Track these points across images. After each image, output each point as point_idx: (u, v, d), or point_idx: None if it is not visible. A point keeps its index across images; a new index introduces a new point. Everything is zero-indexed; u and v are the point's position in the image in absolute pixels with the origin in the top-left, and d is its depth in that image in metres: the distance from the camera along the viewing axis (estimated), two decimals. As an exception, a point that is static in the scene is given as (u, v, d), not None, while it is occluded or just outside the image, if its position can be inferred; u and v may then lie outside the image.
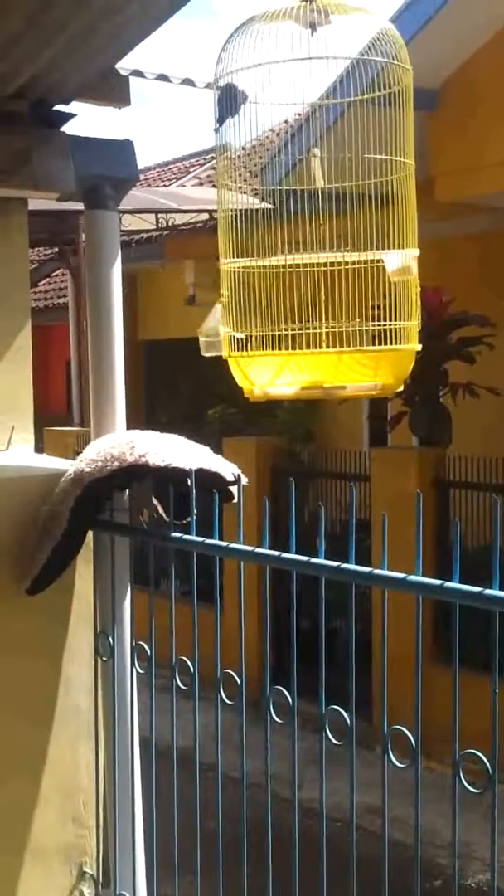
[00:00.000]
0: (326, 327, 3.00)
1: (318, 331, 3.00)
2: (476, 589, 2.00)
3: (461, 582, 2.05)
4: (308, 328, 3.03)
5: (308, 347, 2.99)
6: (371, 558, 7.31)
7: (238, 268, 3.11)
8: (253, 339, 3.04)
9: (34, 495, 3.04)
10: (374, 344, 3.03)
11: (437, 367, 9.24)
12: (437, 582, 2.09)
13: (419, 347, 3.11)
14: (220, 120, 3.07)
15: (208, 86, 3.18)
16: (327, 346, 2.99)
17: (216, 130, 3.13)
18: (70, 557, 3.03)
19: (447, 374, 9.32)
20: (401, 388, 3.19)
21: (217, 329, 3.10)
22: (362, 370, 3.02)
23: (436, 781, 4.50)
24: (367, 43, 3.07)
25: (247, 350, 3.04)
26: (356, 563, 2.27)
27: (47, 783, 3.10)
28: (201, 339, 3.23)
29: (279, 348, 2.99)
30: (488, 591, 1.98)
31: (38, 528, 3.00)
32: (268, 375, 3.03)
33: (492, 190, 8.42)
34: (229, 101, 3.05)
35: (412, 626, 2.18)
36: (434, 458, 8.76)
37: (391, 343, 3.03)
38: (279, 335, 3.01)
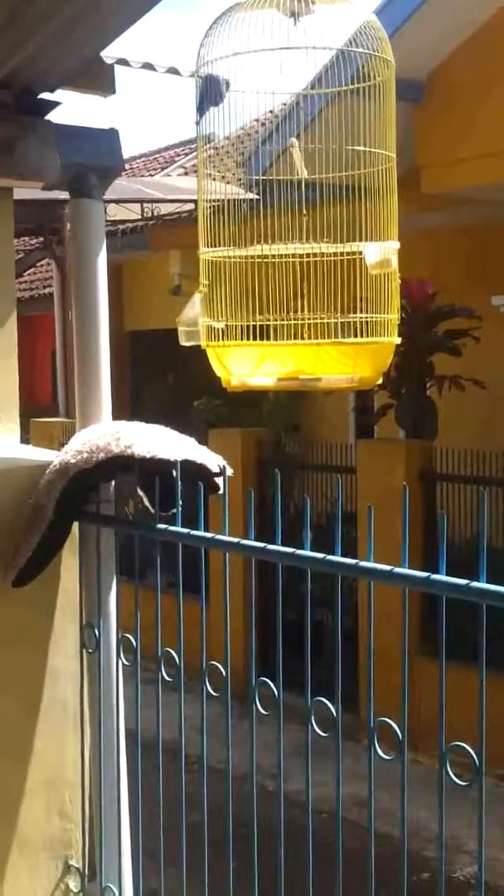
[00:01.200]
0: (306, 318, 3.00)
1: (298, 322, 3.00)
2: (462, 581, 1.99)
3: (448, 574, 2.04)
4: (288, 319, 3.02)
5: (288, 338, 2.98)
6: (357, 551, 7.32)
7: (218, 257, 3.10)
8: (232, 329, 3.03)
9: (19, 487, 3.02)
10: (353, 336, 3.02)
11: (424, 360, 9.25)
12: (424, 574, 2.08)
13: (398, 340, 3.10)
14: (201, 110, 3.05)
15: (192, 74, 3.15)
16: (308, 338, 2.98)
17: (197, 122, 3.11)
18: (56, 549, 3.01)
19: (433, 367, 9.32)
20: (380, 381, 3.19)
21: (196, 319, 3.10)
22: (342, 362, 3.01)
23: (423, 774, 4.51)
24: (350, 34, 3.06)
25: (226, 340, 3.03)
26: (342, 556, 2.27)
27: (33, 776, 3.09)
28: (180, 329, 3.22)
29: (259, 338, 2.99)
30: (475, 584, 1.97)
31: (23, 519, 2.99)
32: (246, 366, 3.02)
33: (477, 182, 8.42)
34: (211, 91, 3.03)
35: (399, 619, 2.18)
36: (421, 450, 8.77)
37: (371, 335, 3.03)
38: (259, 325, 3.00)
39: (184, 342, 3.22)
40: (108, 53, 3.19)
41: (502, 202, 8.95)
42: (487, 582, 1.96)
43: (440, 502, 8.52)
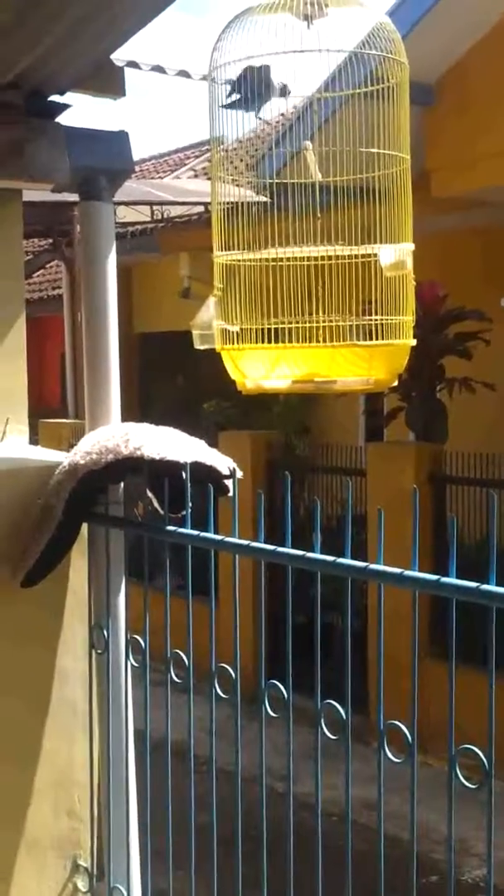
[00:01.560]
0: (321, 321, 2.99)
1: (312, 325, 2.99)
2: (472, 584, 1.99)
3: (458, 577, 2.04)
4: (303, 322, 3.02)
5: (303, 341, 2.98)
6: (367, 553, 7.30)
7: (232, 261, 3.10)
8: (247, 332, 3.03)
9: (29, 487, 3.03)
10: (368, 338, 3.02)
11: (434, 363, 9.23)
12: (434, 577, 2.08)
13: (414, 342, 3.10)
14: (248, 103, 3.02)
15: (204, 78, 3.15)
16: (322, 341, 2.98)
17: (258, 117, 3.09)
18: (65, 550, 3.02)
19: (444, 370, 9.31)
20: (395, 383, 3.18)
21: (210, 322, 3.10)
22: (357, 364, 3.00)
23: (432, 777, 4.49)
24: (364, 36, 3.06)
25: (240, 343, 3.03)
26: (352, 558, 2.26)
27: (42, 776, 3.09)
28: (194, 332, 3.22)
29: (274, 341, 2.98)
30: (484, 587, 1.97)
31: (32, 520, 2.99)
32: (261, 369, 3.02)
33: (488, 184, 8.41)
34: (261, 86, 3.02)
35: (409, 622, 2.17)
36: (431, 453, 8.75)
37: (386, 338, 3.02)
38: (274, 329, 3.00)
39: (198, 345, 3.23)
40: (119, 56, 3.19)
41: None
42: (497, 584, 1.96)
43: (450, 505, 8.51)
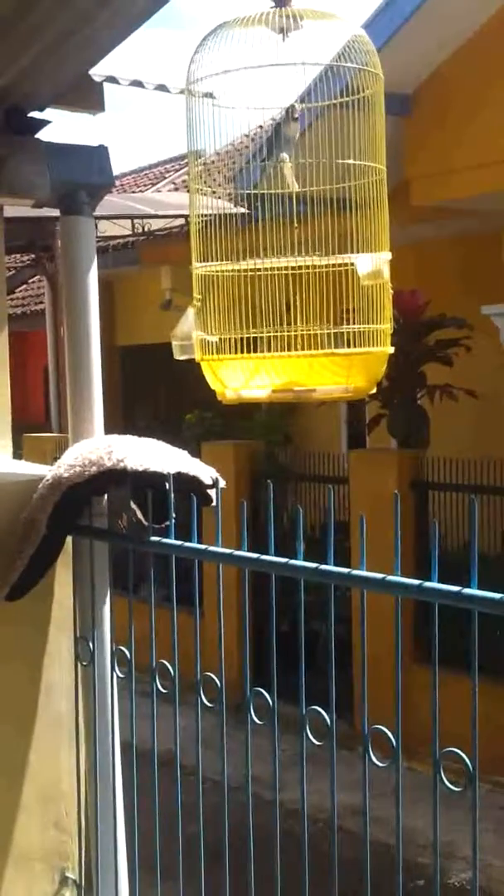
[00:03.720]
0: (299, 330, 3.02)
1: (291, 334, 3.02)
2: (454, 588, 2.01)
3: (440, 582, 2.06)
4: (281, 331, 3.04)
5: (282, 350, 3.01)
6: (351, 560, 7.32)
7: (211, 271, 3.12)
8: (226, 342, 3.05)
9: (12, 501, 3.03)
10: (346, 347, 3.04)
11: (415, 370, 9.28)
12: (416, 582, 2.10)
13: (391, 350, 3.13)
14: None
15: (181, 91, 3.18)
16: (301, 350, 3.01)
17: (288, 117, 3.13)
18: (49, 563, 3.02)
19: (425, 377, 9.35)
20: (373, 391, 3.21)
21: (190, 333, 3.12)
22: (335, 373, 3.03)
23: (418, 781, 4.51)
24: (339, 49, 3.09)
25: (220, 353, 3.05)
26: (335, 565, 2.28)
27: (29, 789, 3.10)
28: (174, 343, 3.25)
29: (253, 351, 3.01)
30: (466, 591, 1.98)
31: (16, 534, 3.00)
32: (240, 378, 3.04)
33: (466, 193, 8.47)
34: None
35: (392, 627, 2.19)
36: (412, 459, 8.79)
37: (364, 346, 3.05)
38: (253, 338, 3.03)
39: (178, 356, 3.25)
40: (97, 71, 3.21)
41: (491, 212, 8.99)
42: (479, 588, 1.98)
43: (432, 511, 8.54)
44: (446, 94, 8.49)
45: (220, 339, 3.05)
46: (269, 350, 3.01)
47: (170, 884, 2.80)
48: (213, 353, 3.06)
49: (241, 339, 3.03)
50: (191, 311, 3.13)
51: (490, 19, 8.08)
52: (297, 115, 3.12)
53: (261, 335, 3.03)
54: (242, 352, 3.02)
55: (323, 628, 6.97)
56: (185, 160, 3.74)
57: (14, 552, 2.98)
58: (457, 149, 8.42)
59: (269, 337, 3.03)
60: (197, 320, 3.10)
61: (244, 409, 9.97)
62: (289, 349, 3.02)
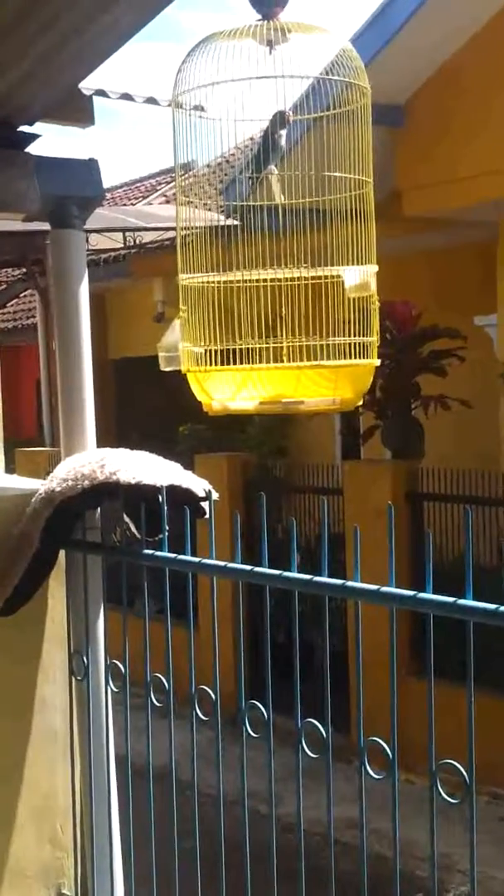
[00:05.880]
0: (286, 342, 3.02)
1: (278, 345, 3.02)
2: (449, 599, 2.00)
3: (436, 593, 2.05)
4: (269, 343, 3.04)
5: (268, 362, 3.01)
6: (346, 572, 7.31)
7: (197, 283, 3.12)
8: (213, 353, 3.05)
9: (5, 516, 3.02)
10: (334, 359, 3.05)
11: (409, 380, 9.27)
12: (411, 593, 2.09)
13: (378, 362, 3.13)
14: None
15: (170, 104, 3.18)
16: (288, 362, 3.01)
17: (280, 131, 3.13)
18: (43, 577, 3.01)
19: (419, 387, 9.35)
20: (361, 402, 3.21)
21: (176, 344, 3.12)
22: (322, 385, 3.04)
23: (415, 794, 4.50)
24: (327, 62, 3.10)
25: (206, 365, 3.05)
26: (330, 577, 2.27)
27: (24, 804, 3.08)
28: (160, 354, 3.25)
29: (240, 363, 3.01)
30: (461, 601, 1.98)
31: (9, 548, 2.99)
32: (227, 390, 3.04)
33: (457, 204, 8.48)
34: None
35: (388, 639, 2.18)
36: (407, 470, 8.78)
37: (351, 358, 3.05)
38: (239, 350, 3.02)
39: (164, 367, 3.25)
40: (87, 85, 3.21)
41: (483, 222, 9.01)
42: (474, 599, 1.97)
43: (427, 522, 8.53)
44: (438, 104, 8.51)
45: (207, 350, 3.05)
46: (256, 362, 3.01)
47: (166, 899, 2.78)
48: (199, 365, 3.06)
49: (228, 350, 3.03)
50: (177, 323, 3.14)
51: (480, 30, 8.11)
52: (288, 122, 3.12)
53: (247, 347, 3.03)
54: (229, 363, 3.02)
55: (318, 640, 6.95)
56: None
57: (7, 567, 2.97)
58: (447, 160, 8.43)
59: (256, 348, 3.03)
60: (183, 332, 3.10)
61: (237, 420, 9.97)
62: (276, 361, 3.02)
